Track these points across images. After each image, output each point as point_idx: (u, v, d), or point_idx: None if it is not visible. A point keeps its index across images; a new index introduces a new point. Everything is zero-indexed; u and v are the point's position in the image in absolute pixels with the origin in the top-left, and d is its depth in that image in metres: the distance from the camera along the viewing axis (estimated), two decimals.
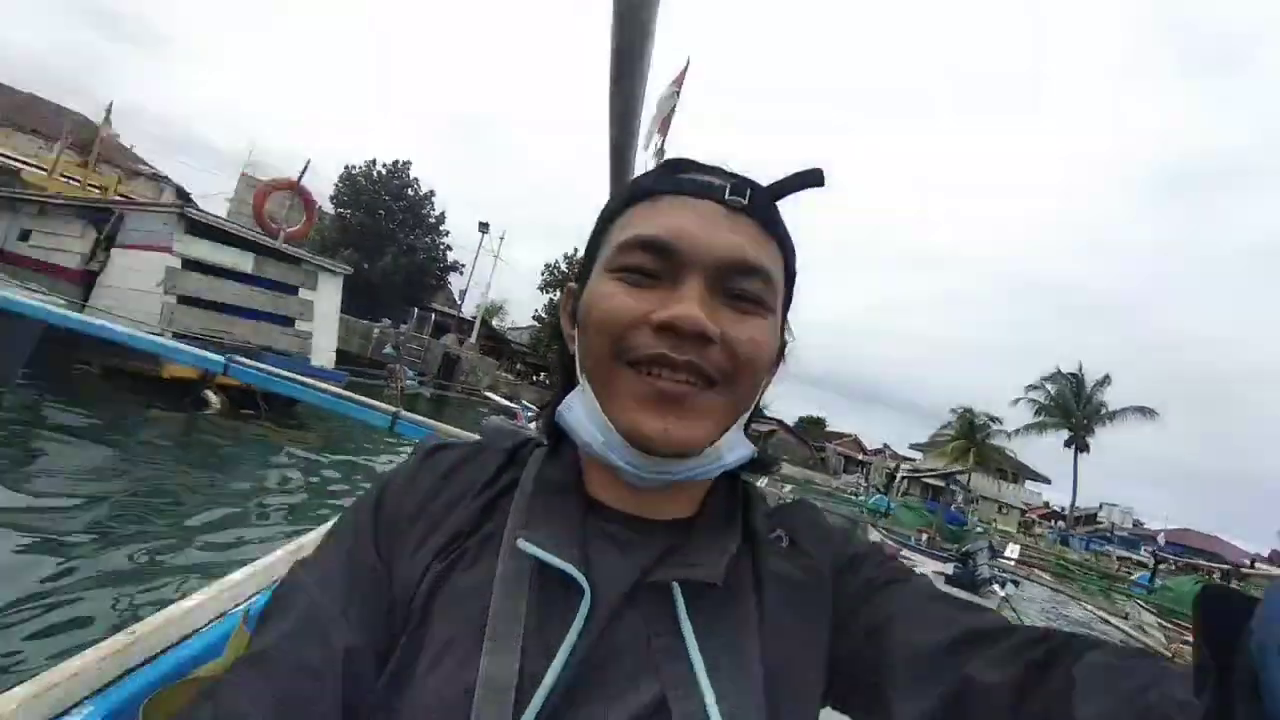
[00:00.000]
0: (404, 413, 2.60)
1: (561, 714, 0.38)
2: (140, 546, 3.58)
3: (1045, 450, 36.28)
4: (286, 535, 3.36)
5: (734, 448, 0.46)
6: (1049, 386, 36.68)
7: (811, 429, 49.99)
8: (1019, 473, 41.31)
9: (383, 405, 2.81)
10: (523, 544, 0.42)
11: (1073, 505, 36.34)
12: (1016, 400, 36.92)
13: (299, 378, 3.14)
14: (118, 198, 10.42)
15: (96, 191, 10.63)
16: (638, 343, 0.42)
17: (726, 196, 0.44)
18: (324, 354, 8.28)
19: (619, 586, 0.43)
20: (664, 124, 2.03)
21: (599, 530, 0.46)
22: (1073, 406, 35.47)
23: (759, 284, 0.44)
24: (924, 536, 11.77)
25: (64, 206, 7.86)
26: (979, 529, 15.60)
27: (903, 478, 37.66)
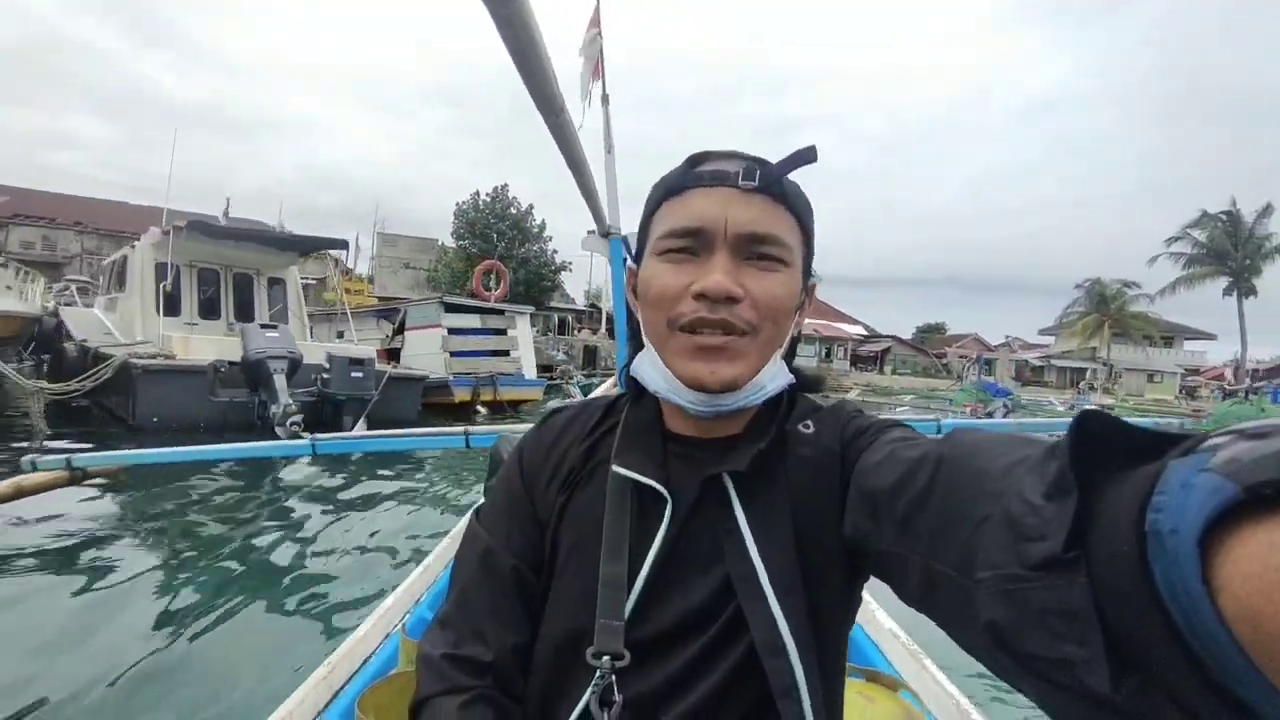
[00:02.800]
0: (471, 429, 2.88)
1: (658, 594, 0.54)
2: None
3: (1208, 305, 32.81)
4: (412, 550, 3.58)
5: (774, 378, 0.56)
6: (1195, 234, 32.90)
7: (931, 336, 49.28)
8: (1173, 335, 38.28)
9: (453, 429, 3.05)
10: (616, 468, 0.57)
11: (1243, 357, 33.22)
12: (1155, 258, 33.52)
13: (384, 433, 3.52)
14: (401, 298, 14.98)
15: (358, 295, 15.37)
16: (683, 309, 0.53)
17: (740, 181, 0.53)
18: (530, 369, 11.83)
19: (692, 490, 0.56)
20: (597, 69, 2.09)
21: (675, 453, 0.59)
22: (1229, 249, 31.75)
23: (774, 247, 0.53)
24: (967, 410, 13.65)
25: (365, 311, 12.10)
26: (1022, 401, 17.61)
27: (1033, 368, 36.63)
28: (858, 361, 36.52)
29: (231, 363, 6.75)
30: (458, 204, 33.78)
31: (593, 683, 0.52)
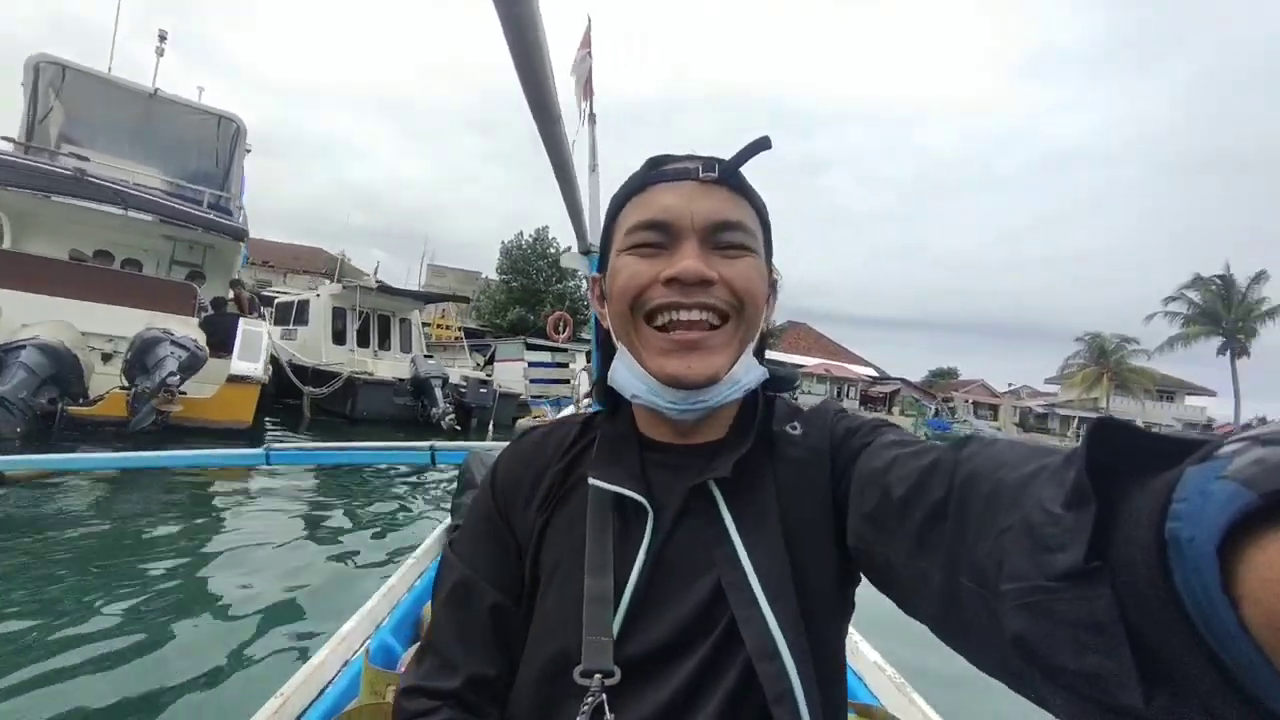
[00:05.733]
0: (438, 444, 2.81)
1: (648, 608, 0.51)
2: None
3: (1206, 362, 34.54)
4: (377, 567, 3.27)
5: (749, 370, 0.56)
6: (1190, 295, 35.12)
7: (942, 381, 51.46)
8: (1176, 390, 40.04)
9: (418, 444, 2.93)
10: (594, 481, 0.55)
11: (1236, 414, 34.90)
12: (1150, 316, 35.84)
13: (347, 446, 3.24)
14: (482, 330, 19.09)
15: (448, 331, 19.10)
16: (654, 295, 0.53)
17: (700, 175, 0.54)
18: (582, 393, 15.14)
19: (675, 499, 0.55)
20: (586, 88, 2.24)
21: (654, 462, 0.58)
22: (1221, 311, 34.01)
23: (739, 234, 0.54)
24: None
25: (459, 344, 15.65)
26: (966, 432, 20.67)
27: (1037, 415, 38.53)
28: (867, 401, 38.76)
29: (401, 379, 9.83)
30: (503, 242, 37.51)
31: (583, 704, 0.48)
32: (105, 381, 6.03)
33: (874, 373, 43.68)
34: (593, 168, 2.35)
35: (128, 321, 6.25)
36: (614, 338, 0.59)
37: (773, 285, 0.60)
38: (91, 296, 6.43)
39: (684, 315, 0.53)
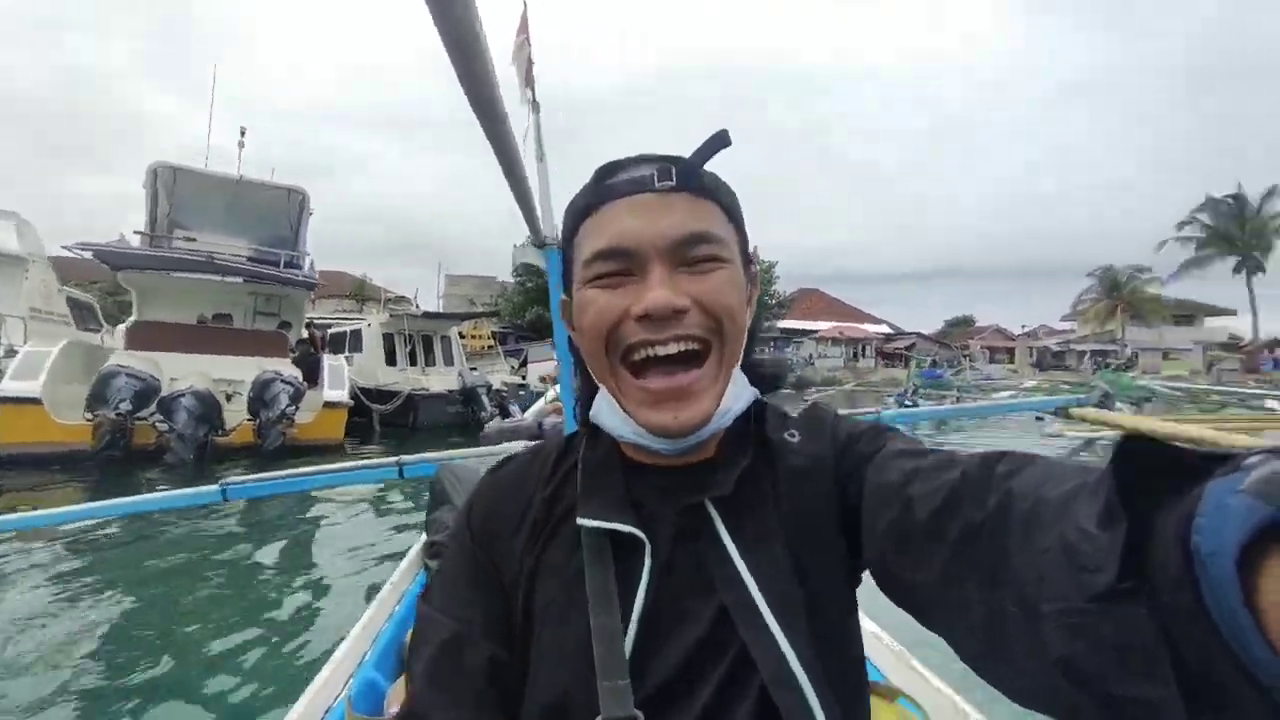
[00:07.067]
0: (405, 458, 2.74)
1: (654, 643, 0.47)
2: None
3: (1223, 282, 34.28)
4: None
5: (738, 397, 0.52)
6: (1202, 217, 35.09)
7: (957, 330, 51.85)
8: (1194, 313, 39.92)
9: (385, 460, 2.86)
10: (582, 521, 0.50)
11: (1255, 330, 34.90)
12: (1163, 243, 35.74)
13: (307, 471, 2.93)
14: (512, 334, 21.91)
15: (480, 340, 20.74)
16: (626, 333, 0.49)
17: (656, 184, 0.49)
18: None
19: (668, 524, 0.51)
20: (527, 75, 2.16)
21: (644, 485, 0.53)
22: (1235, 230, 33.92)
23: (708, 245, 0.49)
24: (905, 390, 16.46)
25: (494, 351, 17.73)
26: (956, 381, 20.72)
27: (1053, 353, 38.74)
28: (884, 358, 39.48)
29: (452, 390, 11.60)
30: (515, 245, 38.88)
31: None
32: (233, 416, 7.84)
33: (888, 330, 44.31)
34: (540, 157, 2.33)
35: (243, 367, 8.18)
36: (590, 370, 0.55)
37: (753, 279, 0.55)
38: (216, 350, 8.46)
39: (660, 350, 0.49)
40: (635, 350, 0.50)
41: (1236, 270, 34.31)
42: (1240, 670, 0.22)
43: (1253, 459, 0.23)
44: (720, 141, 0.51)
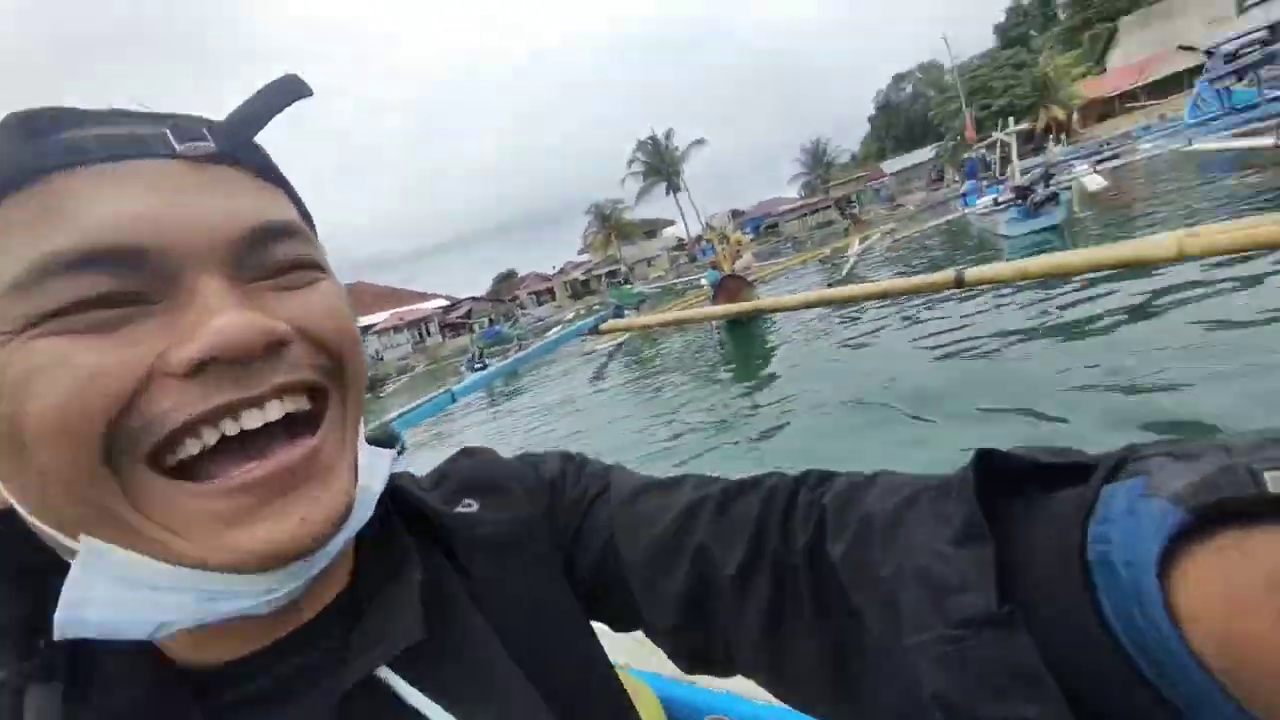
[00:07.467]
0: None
1: None
2: None
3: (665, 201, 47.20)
4: None
5: (372, 464, 0.33)
6: (640, 156, 46.30)
7: (506, 283, 55.72)
8: (654, 227, 53.25)
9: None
10: None
11: (686, 231, 48.79)
12: (624, 178, 46.26)
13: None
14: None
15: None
16: (161, 410, 0.26)
17: (179, 147, 0.28)
18: None
19: None
20: None
21: (243, 705, 0.30)
22: (659, 163, 45.77)
23: (295, 243, 0.30)
24: (471, 355, 15.88)
25: None
26: (514, 333, 24.99)
27: (581, 282, 46.00)
28: (449, 329, 39.15)
29: None
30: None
31: None
32: None
33: (445, 302, 44.06)
34: None
35: None
36: (46, 523, 0.26)
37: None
38: None
39: (250, 423, 0.28)
40: (184, 437, 0.27)
41: (667, 192, 46.98)
42: (1140, 682, 0.21)
43: (1144, 463, 0.22)
44: (292, 90, 0.32)
